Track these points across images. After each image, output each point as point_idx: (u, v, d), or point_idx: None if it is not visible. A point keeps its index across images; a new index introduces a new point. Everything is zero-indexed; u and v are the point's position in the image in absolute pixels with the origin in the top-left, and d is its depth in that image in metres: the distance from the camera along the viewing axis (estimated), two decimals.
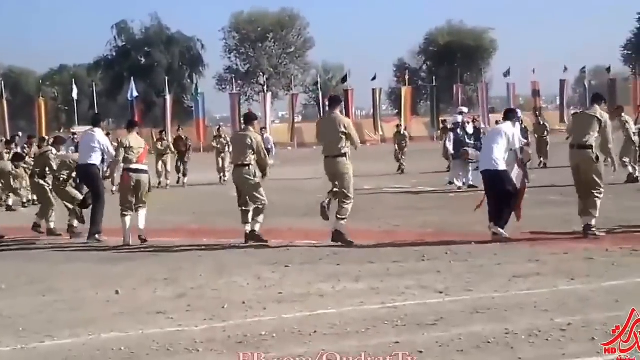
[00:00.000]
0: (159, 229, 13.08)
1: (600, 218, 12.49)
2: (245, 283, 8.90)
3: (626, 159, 18.97)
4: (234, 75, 72.56)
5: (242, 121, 13.46)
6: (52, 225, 14.08)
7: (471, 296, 7.65)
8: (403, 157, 27.74)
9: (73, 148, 19.98)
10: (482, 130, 26.93)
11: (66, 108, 72.67)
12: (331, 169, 11.55)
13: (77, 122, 53.60)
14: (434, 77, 65.80)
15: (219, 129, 28.88)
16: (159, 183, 23.67)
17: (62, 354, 6.37)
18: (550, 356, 5.64)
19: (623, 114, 20.09)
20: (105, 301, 8.36)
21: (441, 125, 29.15)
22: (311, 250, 11.03)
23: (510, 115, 12.14)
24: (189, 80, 72.37)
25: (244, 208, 12.00)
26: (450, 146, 19.83)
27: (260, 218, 11.88)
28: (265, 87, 65.95)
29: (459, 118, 20.37)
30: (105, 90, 72.12)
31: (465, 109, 23.73)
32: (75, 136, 23.78)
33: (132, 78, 53.25)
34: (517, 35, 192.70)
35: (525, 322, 6.52)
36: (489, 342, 6.00)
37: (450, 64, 74.63)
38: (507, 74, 58.49)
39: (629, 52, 79.61)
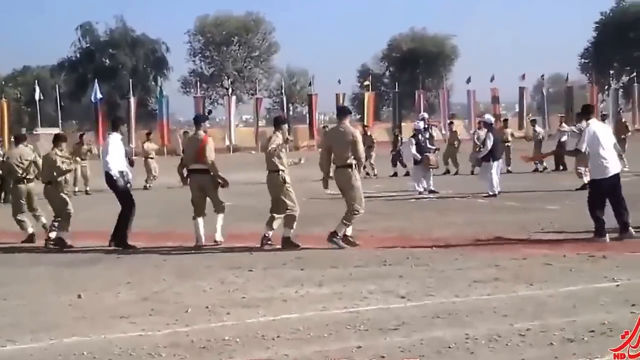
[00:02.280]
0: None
1: (557, 224, 12.79)
2: (209, 287, 8.92)
3: (581, 169, 19.13)
4: (198, 79, 72.24)
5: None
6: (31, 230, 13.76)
7: (432, 301, 7.74)
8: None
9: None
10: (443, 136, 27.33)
11: (29, 109, 71.71)
12: (339, 179, 11.74)
13: (39, 124, 53.05)
14: (396, 83, 66.09)
15: (148, 133, 28.54)
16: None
17: (24, 359, 6.35)
18: None
19: (584, 121, 20.30)
20: (67, 305, 8.33)
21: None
22: (275, 255, 11.07)
23: (589, 111, 12.07)
24: (153, 83, 71.74)
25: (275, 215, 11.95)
26: (414, 151, 19.94)
27: (293, 226, 11.84)
28: (229, 91, 65.64)
29: (421, 124, 20.52)
30: (69, 92, 71.14)
31: (426, 115, 23.88)
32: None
33: (96, 80, 52.68)
34: (477, 42, 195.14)
35: (485, 327, 6.62)
36: (449, 347, 6.08)
37: (412, 70, 75.09)
38: (468, 80, 59.10)
39: (586, 61, 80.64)
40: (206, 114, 15.29)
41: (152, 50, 76.06)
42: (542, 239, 11.58)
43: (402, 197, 19.47)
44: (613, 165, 11.23)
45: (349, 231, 11.66)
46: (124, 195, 12.68)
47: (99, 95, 50.12)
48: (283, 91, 64.91)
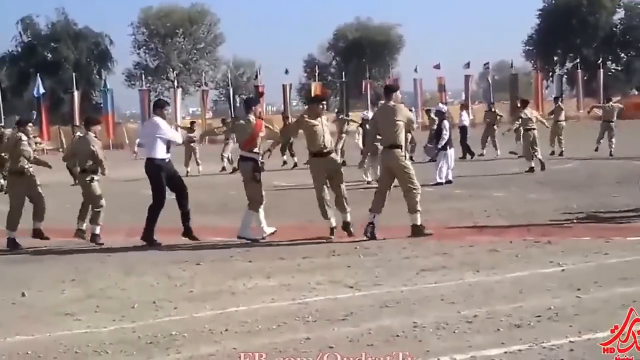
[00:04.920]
0: (67, 228, 12.77)
1: (503, 211, 12.94)
2: (156, 282, 8.83)
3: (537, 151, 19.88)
4: (143, 71, 71.53)
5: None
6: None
7: (380, 290, 7.77)
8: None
9: None
10: None
11: None
12: (388, 161, 11.24)
13: None
14: (343, 73, 66.23)
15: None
16: None
17: None
18: (457, 348, 5.76)
19: (529, 108, 21.11)
20: (10, 303, 8.18)
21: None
22: (222, 248, 11.00)
23: None
24: (97, 76, 70.92)
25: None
26: (360, 141, 19.97)
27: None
28: (175, 83, 65.06)
29: (370, 114, 20.52)
30: (10, 87, 69.75)
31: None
32: None
33: (38, 74, 51.79)
34: (422, 31, 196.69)
35: (432, 315, 6.66)
36: (398, 336, 6.10)
37: (359, 60, 75.27)
38: (415, 70, 59.52)
39: (530, 48, 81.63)
40: (257, 97, 13.86)
41: (95, 43, 74.95)
42: (489, 225, 11.70)
43: (350, 187, 19.44)
44: None
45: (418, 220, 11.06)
46: (153, 189, 11.85)
47: (42, 90, 49.36)
48: (230, 82, 64.55)
